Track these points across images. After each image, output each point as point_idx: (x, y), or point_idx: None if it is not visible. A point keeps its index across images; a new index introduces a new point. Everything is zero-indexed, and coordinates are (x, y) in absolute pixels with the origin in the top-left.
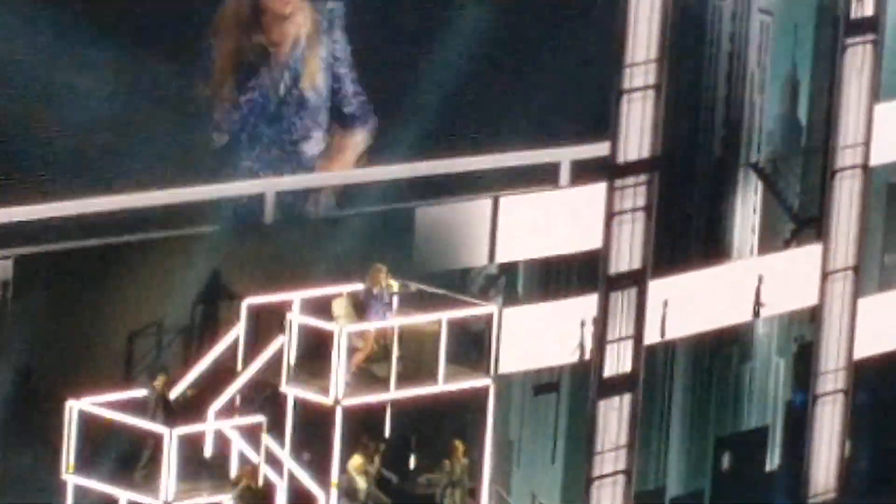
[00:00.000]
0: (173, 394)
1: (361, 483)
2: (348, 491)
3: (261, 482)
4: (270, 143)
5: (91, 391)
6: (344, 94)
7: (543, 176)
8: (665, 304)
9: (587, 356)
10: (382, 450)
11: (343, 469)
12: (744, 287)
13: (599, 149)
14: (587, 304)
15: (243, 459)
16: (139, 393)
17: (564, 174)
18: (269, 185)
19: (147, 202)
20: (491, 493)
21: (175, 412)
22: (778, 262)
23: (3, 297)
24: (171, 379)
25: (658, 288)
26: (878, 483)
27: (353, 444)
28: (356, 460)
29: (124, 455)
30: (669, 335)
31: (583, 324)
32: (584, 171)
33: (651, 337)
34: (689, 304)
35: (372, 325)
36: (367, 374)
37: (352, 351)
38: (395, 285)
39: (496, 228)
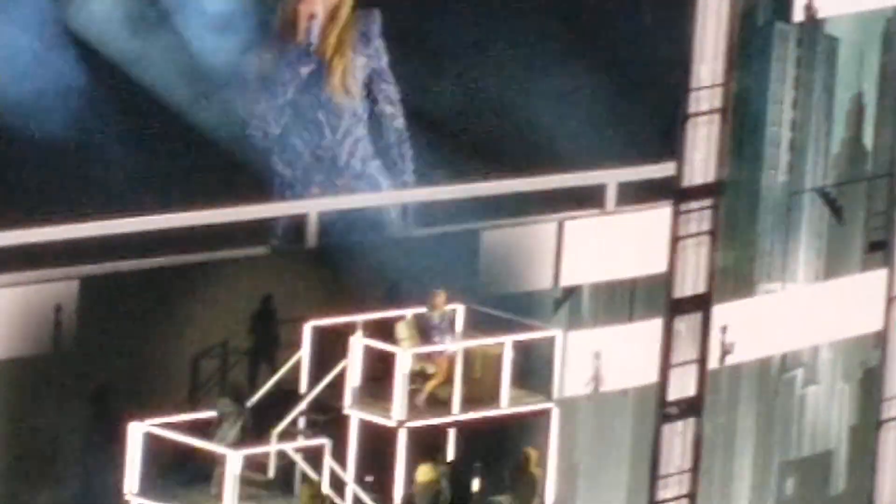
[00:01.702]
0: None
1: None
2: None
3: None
4: (303, 146)
5: (155, 413)
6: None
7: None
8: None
9: (602, 388)
10: (446, 472)
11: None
12: (809, 312)
13: (649, 171)
14: (603, 335)
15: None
16: (204, 414)
17: (611, 197)
18: (313, 206)
19: (184, 222)
20: None
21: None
22: (843, 287)
23: (67, 318)
24: (243, 395)
25: (723, 312)
26: None
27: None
28: (425, 468)
29: (190, 477)
30: (733, 360)
31: (597, 356)
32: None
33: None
34: (754, 328)
35: (434, 349)
36: (432, 397)
37: (421, 376)
38: (453, 310)
39: (561, 251)
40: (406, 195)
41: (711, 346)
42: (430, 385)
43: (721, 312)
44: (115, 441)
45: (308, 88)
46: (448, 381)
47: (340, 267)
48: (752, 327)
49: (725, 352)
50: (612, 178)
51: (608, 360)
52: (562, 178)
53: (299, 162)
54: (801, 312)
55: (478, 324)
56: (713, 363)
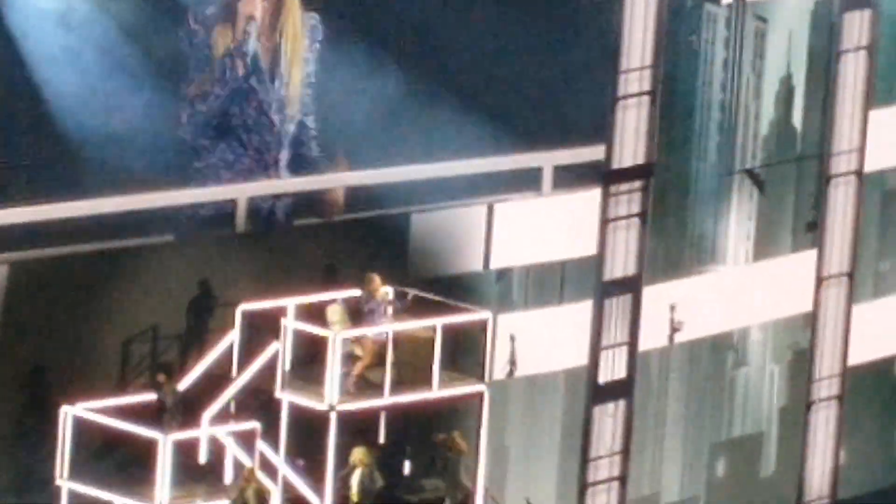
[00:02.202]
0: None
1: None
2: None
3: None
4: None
5: (86, 397)
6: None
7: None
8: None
9: (517, 372)
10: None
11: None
12: (738, 293)
13: (582, 154)
14: (518, 319)
15: (238, 465)
16: (135, 398)
17: (547, 180)
18: (241, 191)
19: (116, 207)
20: (485, 499)
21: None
22: (772, 268)
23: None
24: (173, 377)
25: (655, 294)
26: None
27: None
28: (360, 450)
29: (121, 460)
30: (665, 342)
31: (512, 339)
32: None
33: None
34: (685, 310)
35: (366, 331)
36: (363, 380)
37: (350, 359)
38: (389, 292)
39: (491, 234)
40: (337, 179)
41: (660, 324)
42: (358, 368)
43: (669, 290)
44: (49, 425)
45: (245, 85)
46: (378, 364)
47: (272, 251)
48: (701, 305)
49: (675, 330)
50: (547, 161)
51: (537, 342)
52: (496, 162)
53: (237, 158)
54: (747, 290)
55: (410, 307)
56: (662, 341)
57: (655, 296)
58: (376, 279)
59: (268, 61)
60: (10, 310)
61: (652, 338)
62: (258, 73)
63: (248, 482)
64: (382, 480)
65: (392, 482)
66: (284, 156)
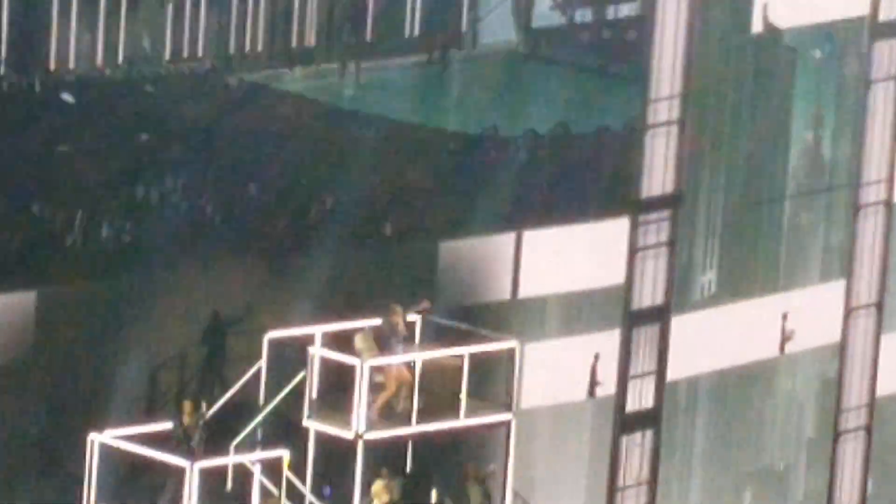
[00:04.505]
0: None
1: None
2: None
3: None
4: None
5: (113, 424)
6: None
7: None
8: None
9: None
10: (403, 483)
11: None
12: (769, 323)
13: None
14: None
15: (265, 493)
16: (162, 426)
17: None
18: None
19: None
20: None
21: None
22: (802, 298)
23: (26, 329)
24: (198, 406)
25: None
26: None
27: (373, 473)
28: (378, 485)
29: (147, 487)
30: (694, 371)
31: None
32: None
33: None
34: (714, 339)
35: (395, 359)
36: (389, 408)
37: (376, 387)
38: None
39: (519, 263)
40: None
41: (770, 334)
42: (381, 397)
43: (782, 300)
44: (75, 451)
45: None
46: (406, 392)
47: (300, 278)
48: (711, 338)
49: (786, 339)
50: None
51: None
52: None
53: None
54: (762, 323)
55: (437, 335)
56: (774, 351)
57: (765, 306)
58: (399, 310)
59: None
60: (38, 337)
61: (763, 348)
62: None
63: None
64: None
65: None
66: None
